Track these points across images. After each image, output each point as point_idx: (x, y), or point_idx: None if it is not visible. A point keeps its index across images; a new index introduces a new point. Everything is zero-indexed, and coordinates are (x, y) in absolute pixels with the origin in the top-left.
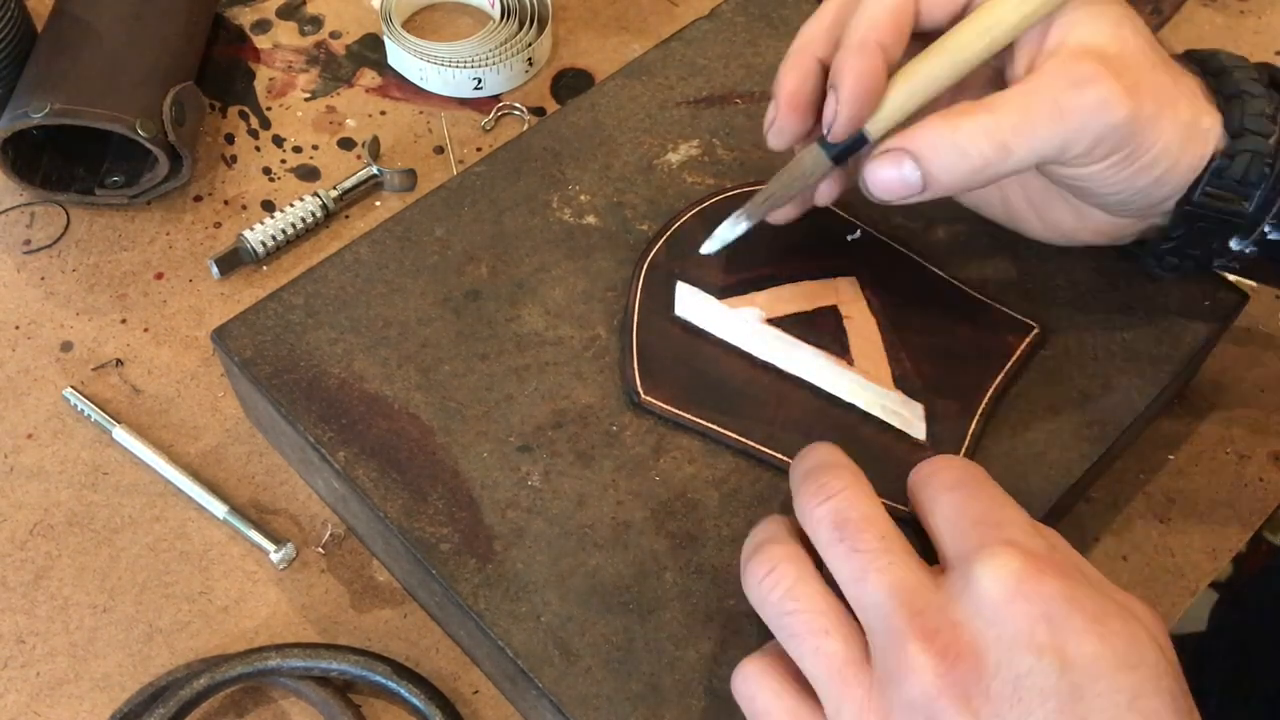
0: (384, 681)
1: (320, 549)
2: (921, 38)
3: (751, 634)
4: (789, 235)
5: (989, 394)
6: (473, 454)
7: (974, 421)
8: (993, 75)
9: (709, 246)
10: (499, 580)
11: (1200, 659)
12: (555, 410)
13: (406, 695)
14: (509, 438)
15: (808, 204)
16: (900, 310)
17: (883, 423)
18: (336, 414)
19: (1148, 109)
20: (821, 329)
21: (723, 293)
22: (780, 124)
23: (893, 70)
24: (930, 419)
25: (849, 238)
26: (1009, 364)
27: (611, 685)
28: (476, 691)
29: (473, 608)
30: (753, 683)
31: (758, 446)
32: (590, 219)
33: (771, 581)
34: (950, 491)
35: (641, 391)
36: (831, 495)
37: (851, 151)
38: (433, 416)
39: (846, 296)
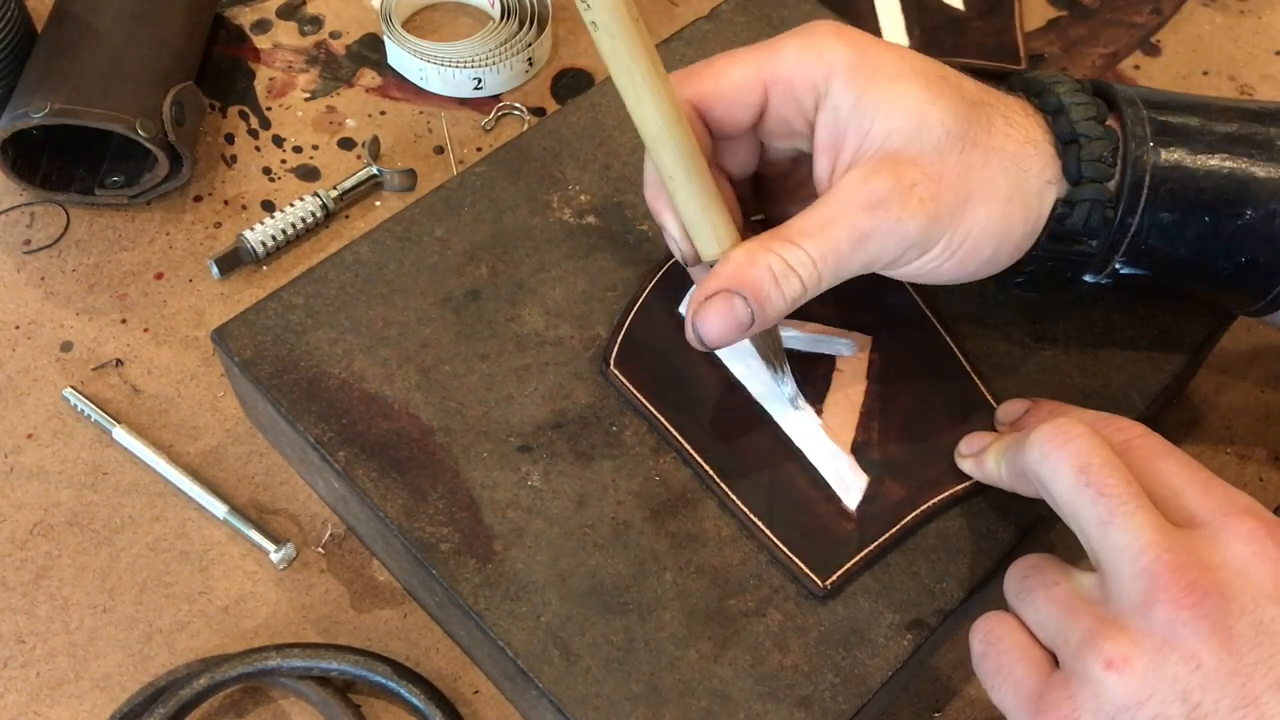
0: (384, 681)
1: (320, 549)
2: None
3: (752, 633)
4: None
5: (940, 497)
6: (473, 454)
7: (910, 516)
8: (790, 168)
9: (793, 397)
10: (499, 580)
11: None
12: (555, 410)
13: (406, 695)
14: (509, 438)
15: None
16: (898, 383)
17: (820, 479)
18: (336, 414)
19: (948, 210)
20: (808, 373)
21: None
22: (689, 255)
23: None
24: (870, 496)
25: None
26: (971, 481)
27: (611, 685)
28: (476, 691)
29: (473, 608)
30: (993, 620)
31: (693, 452)
32: (590, 219)
33: (1017, 571)
34: (1168, 458)
35: (611, 362)
36: (1072, 438)
37: None
38: (433, 416)
39: (850, 352)
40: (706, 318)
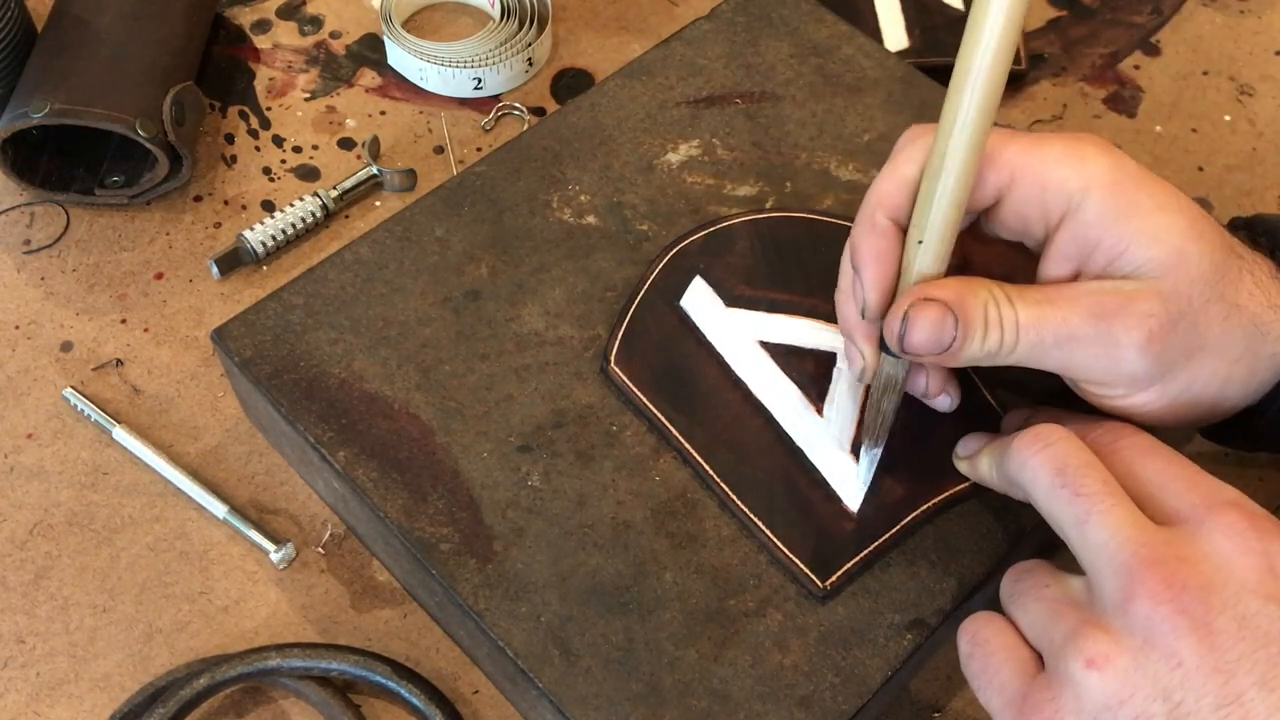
0: (384, 681)
1: (320, 549)
2: None
3: (752, 633)
4: (830, 273)
5: (940, 497)
6: (473, 454)
7: (910, 516)
8: (1017, 248)
9: (863, 484)
10: (499, 580)
11: None
12: (555, 410)
13: (406, 695)
14: (509, 438)
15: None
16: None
17: (820, 479)
18: (336, 414)
19: (1174, 356)
20: (809, 371)
21: (734, 301)
22: (875, 307)
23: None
24: (870, 496)
25: None
26: (970, 482)
27: (611, 685)
28: (476, 691)
29: (473, 608)
30: (981, 620)
31: (692, 452)
32: (590, 219)
33: (1011, 575)
34: (1152, 457)
35: (612, 359)
36: (1050, 443)
37: None
38: (433, 416)
39: None
40: (920, 323)
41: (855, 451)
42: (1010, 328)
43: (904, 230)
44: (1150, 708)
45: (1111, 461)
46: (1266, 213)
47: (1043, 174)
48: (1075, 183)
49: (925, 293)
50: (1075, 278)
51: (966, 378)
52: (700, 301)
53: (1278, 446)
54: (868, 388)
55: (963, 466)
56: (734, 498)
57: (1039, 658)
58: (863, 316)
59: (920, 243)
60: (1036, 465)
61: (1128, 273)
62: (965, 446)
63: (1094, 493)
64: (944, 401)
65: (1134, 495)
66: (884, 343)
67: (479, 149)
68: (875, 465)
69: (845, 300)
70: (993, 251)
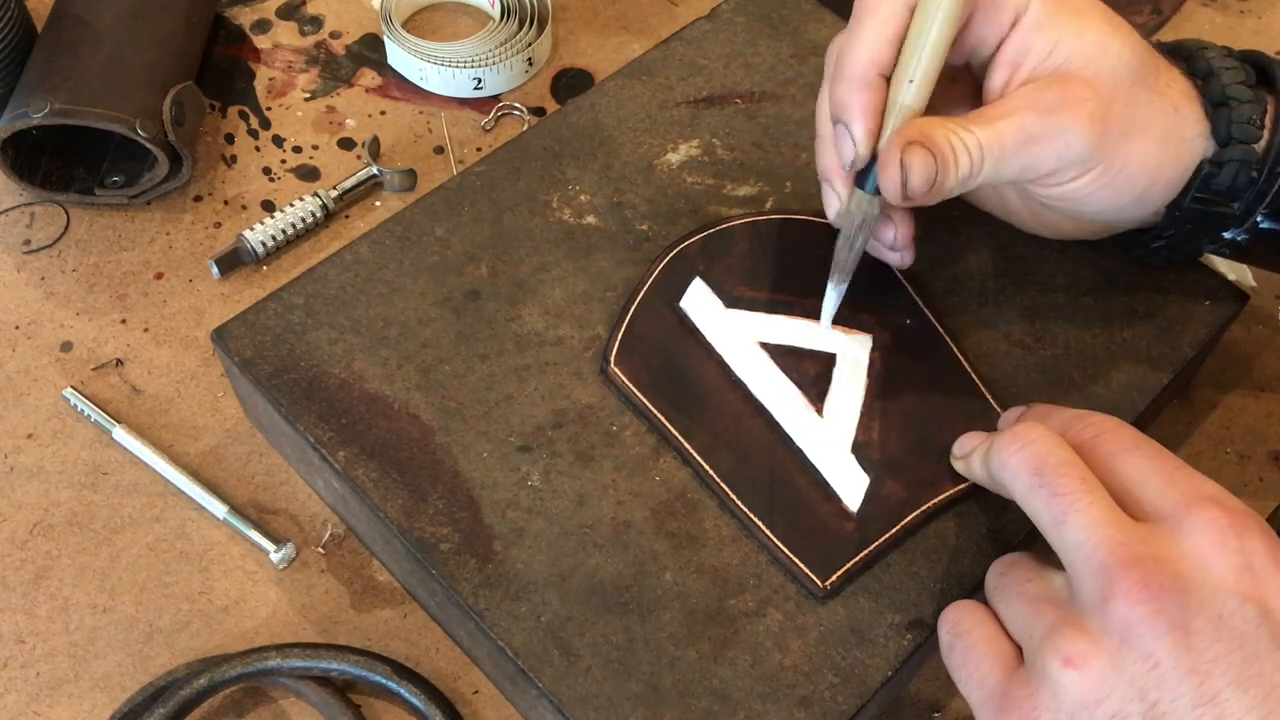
0: (384, 681)
1: (320, 549)
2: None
3: (752, 633)
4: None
5: (939, 498)
6: (473, 454)
7: (910, 516)
8: (971, 90)
9: (825, 319)
10: (499, 580)
11: None
12: (555, 410)
13: (406, 695)
14: (509, 438)
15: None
16: (899, 383)
17: (820, 479)
18: (336, 414)
19: (1114, 135)
20: (809, 371)
21: (734, 302)
22: (864, 152)
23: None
24: (870, 496)
25: (908, 321)
26: (970, 482)
27: (611, 685)
28: (476, 691)
29: (473, 608)
30: (962, 609)
31: (693, 452)
32: (590, 219)
33: (997, 569)
34: (1133, 452)
35: (611, 360)
36: (1028, 442)
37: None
38: (433, 416)
39: (850, 351)
40: (913, 164)
41: (856, 452)
42: (975, 148)
43: (889, 81)
44: (1126, 707)
45: (1092, 456)
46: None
47: None
48: None
49: (904, 136)
50: (1008, 86)
51: (960, 371)
52: (700, 303)
53: (1191, 251)
54: (869, 384)
55: (959, 466)
56: (734, 498)
57: (1019, 651)
58: (850, 167)
59: (911, 81)
60: (1015, 465)
61: (1058, 67)
62: (961, 446)
63: (1071, 492)
64: (904, 258)
65: (1114, 491)
66: (859, 183)
67: (479, 149)
68: (841, 299)
69: (826, 150)
70: (939, 91)
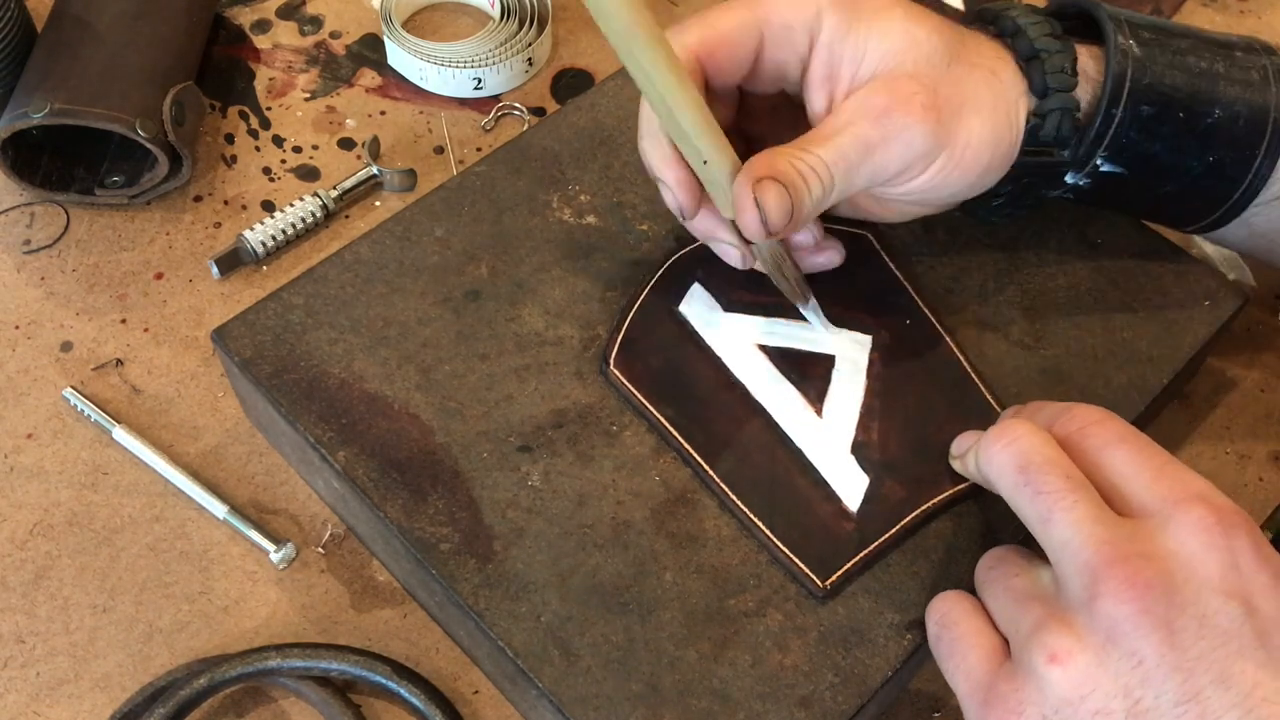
0: (384, 681)
1: (320, 549)
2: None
3: (752, 633)
4: (834, 279)
5: (939, 498)
6: (473, 454)
7: (910, 516)
8: (795, 115)
9: (818, 325)
10: (499, 580)
11: None
12: (555, 410)
13: (406, 695)
14: (509, 438)
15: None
16: (898, 383)
17: (820, 479)
18: (336, 414)
19: (947, 117)
20: (808, 373)
21: (732, 306)
22: (689, 207)
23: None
24: (870, 496)
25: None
26: (970, 482)
27: (611, 685)
28: (476, 691)
29: (473, 608)
30: (951, 600)
31: (692, 452)
32: (590, 219)
33: (986, 562)
34: (1119, 446)
35: (611, 361)
36: (1014, 439)
37: None
38: (433, 416)
39: (849, 352)
40: (768, 200)
41: (856, 452)
42: (821, 169)
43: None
44: (1110, 704)
45: (1080, 450)
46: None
47: (780, 16)
48: (810, 8)
49: (751, 175)
50: (831, 103)
51: (960, 371)
52: (699, 307)
53: (1032, 203)
54: (868, 384)
55: (956, 465)
56: (734, 498)
57: (1006, 644)
58: (684, 218)
59: (705, 162)
60: (1001, 462)
61: (875, 71)
62: (958, 445)
63: (1056, 490)
64: (832, 257)
65: (1101, 486)
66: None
67: (479, 149)
68: (820, 310)
69: (668, 165)
70: (765, 124)
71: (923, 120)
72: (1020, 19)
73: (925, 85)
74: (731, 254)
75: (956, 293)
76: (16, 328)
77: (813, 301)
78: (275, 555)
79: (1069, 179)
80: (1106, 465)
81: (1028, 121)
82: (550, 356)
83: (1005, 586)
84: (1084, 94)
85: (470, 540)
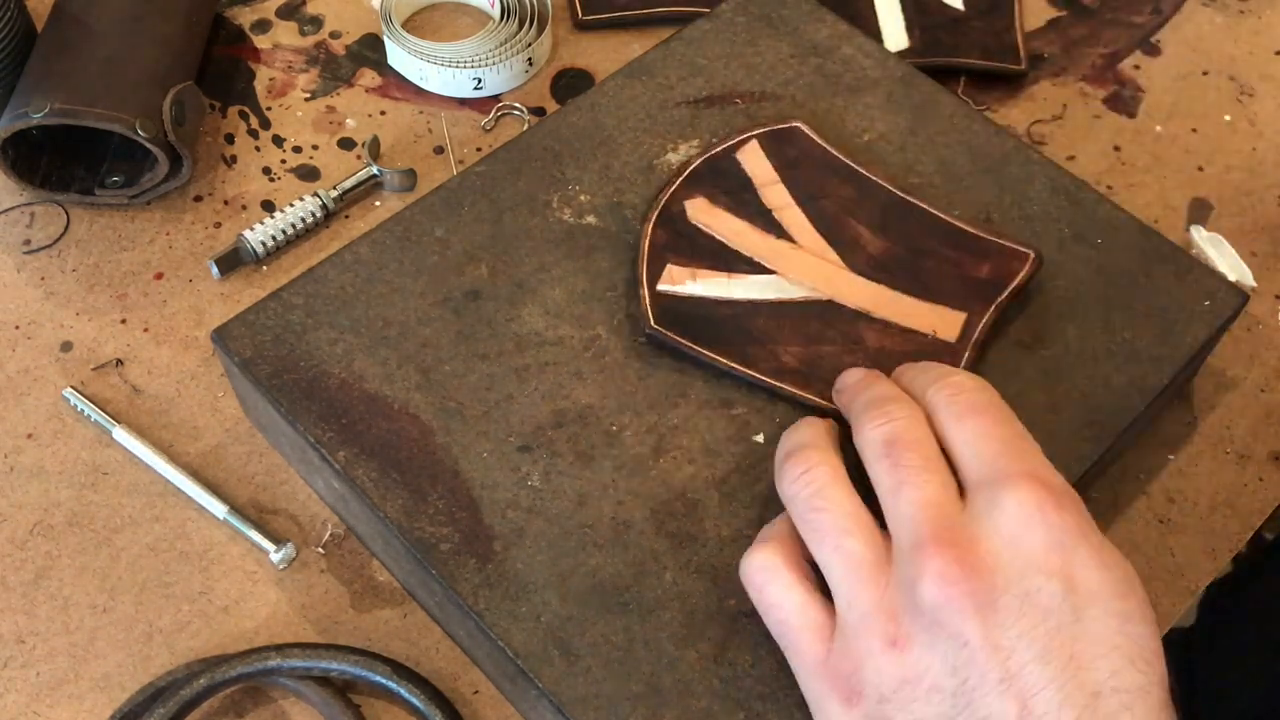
0: (384, 681)
1: (320, 549)
2: None
3: (752, 634)
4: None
5: (992, 309)
6: (473, 454)
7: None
8: None
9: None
10: (499, 580)
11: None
12: (555, 410)
13: (406, 695)
14: (509, 438)
15: None
16: (884, 247)
17: (904, 331)
18: (336, 414)
19: None
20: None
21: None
22: None
23: None
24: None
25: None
26: (1011, 288)
27: (611, 685)
28: (476, 691)
29: (473, 608)
30: (766, 573)
31: (768, 380)
32: (590, 219)
33: (805, 480)
34: (975, 416)
35: (652, 319)
36: (891, 419)
37: None
38: (433, 416)
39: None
40: None
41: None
42: None
43: None
44: (942, 682)
45: (944, 417)
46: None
47: None
48: None
49: None
50: None
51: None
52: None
53: None
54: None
55: (835, 396)
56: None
57: (831, 608)
58: None
59: None
60: (873, 437)
61: None
62: (843, 379)
63: (912, 465)
64: None
65: (951, 455)
66: None
67: (479, 149)
68: None
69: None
70: None
71: None
72: None
73: None
74: None
75: None
76: (16, 328)
77: None
78: (275, 555)
79: None
80: (959, 436)
81: None
82: (550, 356)
83: (835, 546)
84: None
85: (470, 540)
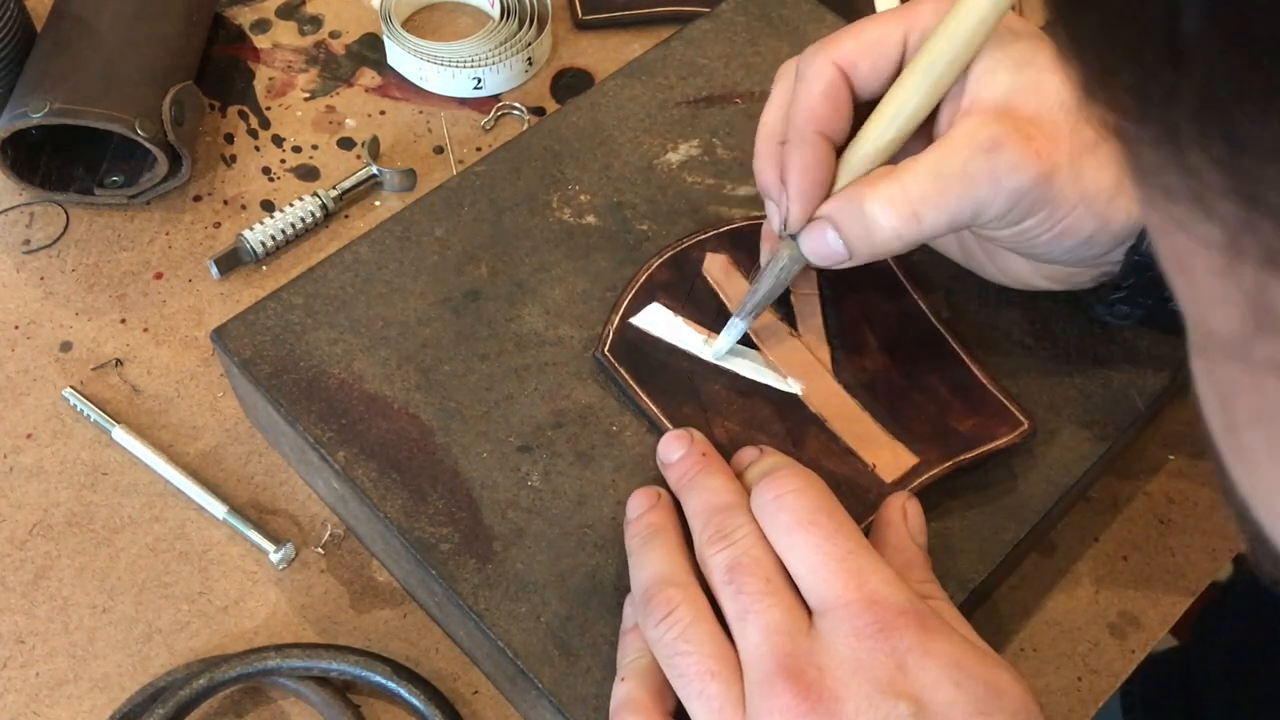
0: (384, 682)
1: (320, 549)
2: (869, 104)
3: None
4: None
5: (943, 466)
6: (473, 454)
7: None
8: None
9: (718, 351)
10: (499, 580)
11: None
12: (555, 410)
13: (406, 695)
14: (509, 438)
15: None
16: (899, 380)
17: (846, 452)
18: (336, 414)
19: (1061, 171)
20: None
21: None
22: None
23: (841, 146)
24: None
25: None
26: (982, 450)
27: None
28: (476, 691)
29: (473, 608)
30: (627, 685)
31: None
32: (590, 219)
33: (668, 624)
34: (802, 531)
35: (606, 346)
36: (731, 543)
37: None
38: (433, 416)
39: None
40: (806, 240)
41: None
42: (895, 205)
43: (829, 141)
44: None
45: (771, 527)
46: None
47: (924, 24)
48: None
49: (818, 214)
50: (950, 121)
51: (967, 371)
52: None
53: (1154, 306)
54: (869, 387)
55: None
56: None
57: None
58: (783, 228)
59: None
60: (715, 562)
61: (997, 99)
62: (668, 452)
63: (755, 591)
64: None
65: (790, 570)
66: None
67: (479, 149)
68: (739, 337)
69: (766, 166)
70: None
71: (1031, 165)
72: None
73: (1045, 132)
74: (773, 218)
75: (957, 293)
76: (16, 328)
77: (746, 325)
78: (275, 555)
79: None
80: (790, 554)
81: None
82: (550, 356)
83: (700, 692)
84: None
85: (470, 540)
